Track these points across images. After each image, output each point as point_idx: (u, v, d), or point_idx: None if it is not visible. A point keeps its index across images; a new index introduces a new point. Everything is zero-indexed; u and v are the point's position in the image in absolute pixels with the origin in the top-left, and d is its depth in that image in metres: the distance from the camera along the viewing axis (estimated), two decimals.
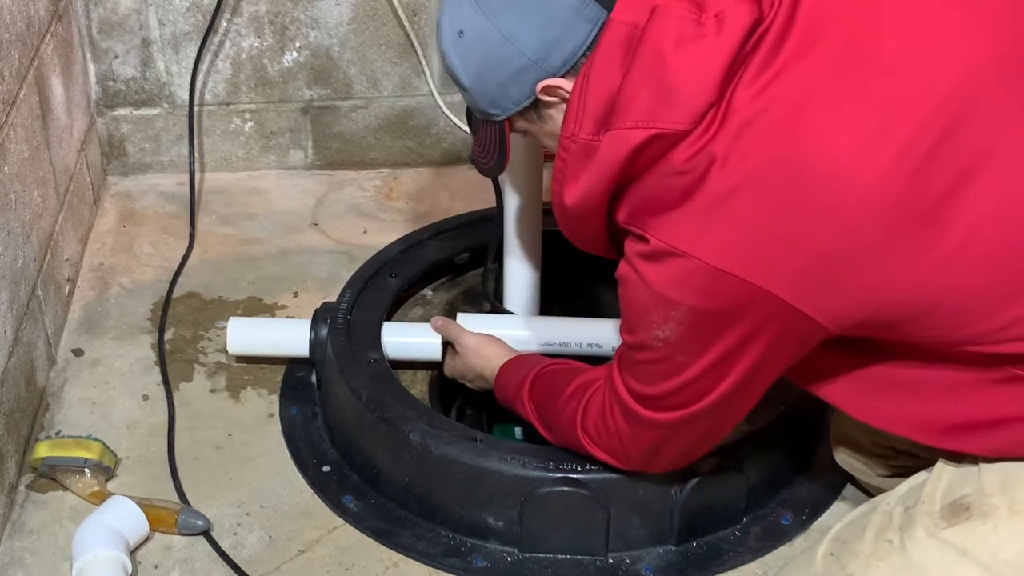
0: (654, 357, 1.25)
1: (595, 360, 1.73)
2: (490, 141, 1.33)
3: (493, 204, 1.76)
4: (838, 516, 1.56)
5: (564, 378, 1.47)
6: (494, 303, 1.78)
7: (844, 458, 1.55)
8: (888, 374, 1.25)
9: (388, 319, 1.76)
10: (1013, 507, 1.17)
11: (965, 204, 1.10)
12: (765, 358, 1.21)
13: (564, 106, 1.23)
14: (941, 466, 1.25)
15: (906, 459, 1.47)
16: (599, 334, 1.70)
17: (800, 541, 1.55)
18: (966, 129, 1.10)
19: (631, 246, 1.22)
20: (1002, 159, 1.11)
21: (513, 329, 1.70)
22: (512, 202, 1.69)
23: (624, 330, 1.28)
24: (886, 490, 1.45)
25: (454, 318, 1.72)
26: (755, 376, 1.24)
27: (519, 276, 1.75)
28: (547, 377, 1.51)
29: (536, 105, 1.26)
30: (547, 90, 1.23)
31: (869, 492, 1.56)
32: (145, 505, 1.53)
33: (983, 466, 1.21)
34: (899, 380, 1.25)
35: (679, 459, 1.41)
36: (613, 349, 1.66)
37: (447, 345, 1.70)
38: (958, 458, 1.24)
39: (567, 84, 1.22)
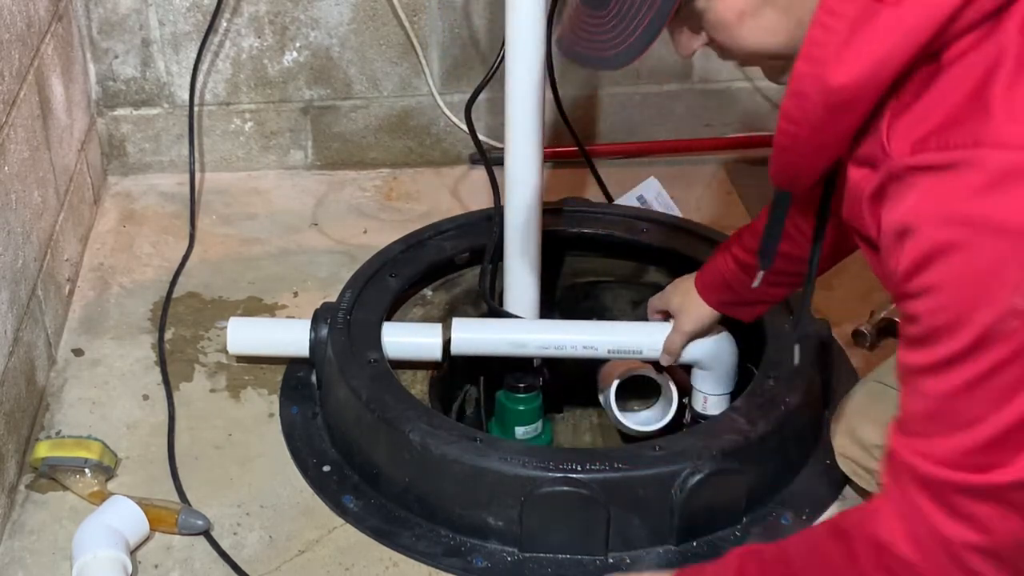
0: (1005, 354, 0.87)
1: (590, 363, 1.74)
2: (640, 9, 0.99)
3: (493, 204, 1.76)
4: None
5: (784, 546, 1.11)
6: (491, 304, 1.78)
7: (846, 464, 1.55)
8: None
9: (388, 319, 1.76)
10: None
11: None
12: None
13: None
14: None
15: None
16: (594, 336, 1.68)
17: None
18: None
19: (942, 192, 0.88)
20: None
21: (507, 331, 1.70)
22: (512, 202, 1.69)
23: (930, 344, 0.91)
24: None
25: (452, 318, 1.73)
26: None
27: (519, 276, 1.75)
28: (757, 555, 1.13)
29: None
30: None
31: (869, 494, 1.56)
32: (145, 505, 1.53)
33: None
34: None
35: None
36: (608, 352, 1.66)
37: None
38: None
39: None
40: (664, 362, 1.66)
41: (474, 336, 1.69)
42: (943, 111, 0.90)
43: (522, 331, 1.70)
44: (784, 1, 0.97)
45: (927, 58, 0.91)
